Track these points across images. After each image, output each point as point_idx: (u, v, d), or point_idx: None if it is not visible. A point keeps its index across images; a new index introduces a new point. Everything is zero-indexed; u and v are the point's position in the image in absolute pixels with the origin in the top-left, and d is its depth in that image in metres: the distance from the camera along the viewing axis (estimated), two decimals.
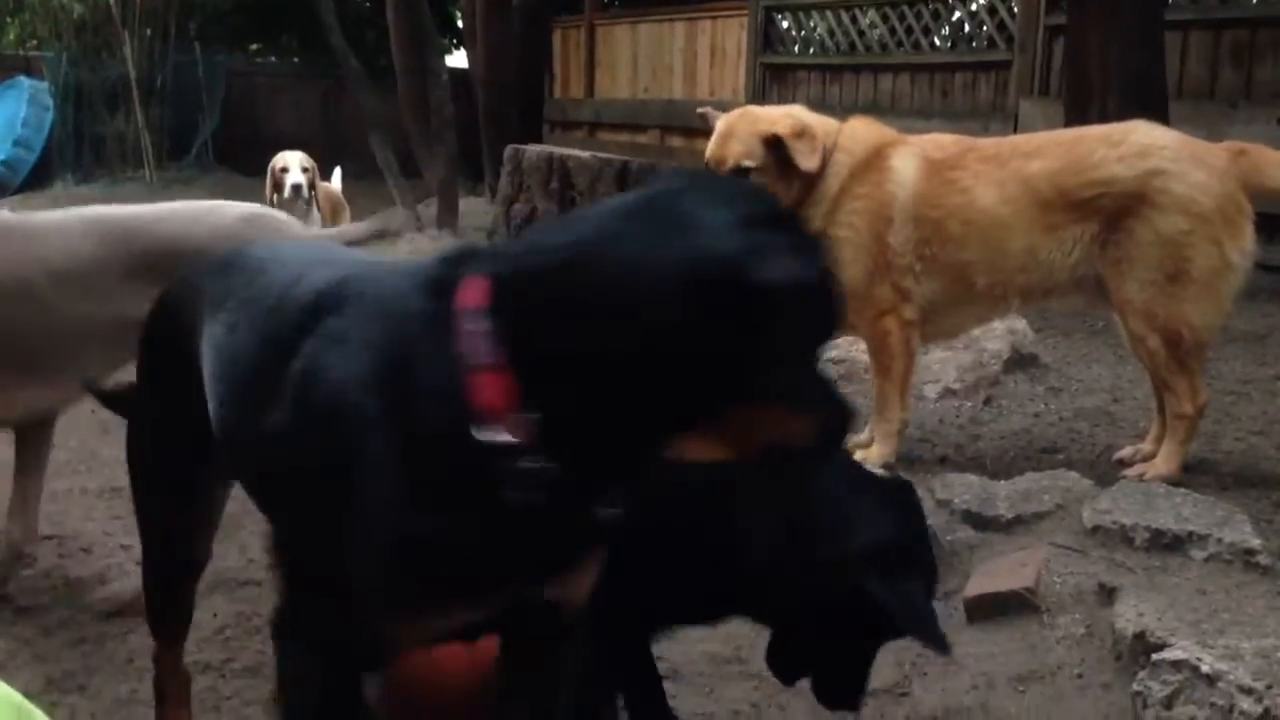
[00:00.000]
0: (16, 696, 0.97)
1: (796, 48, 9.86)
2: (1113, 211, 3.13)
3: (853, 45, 9.14)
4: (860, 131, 3.35)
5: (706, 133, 3.50)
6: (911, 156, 3.28)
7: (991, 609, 2.53)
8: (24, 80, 11.29)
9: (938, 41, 8.67)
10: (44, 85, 11.31)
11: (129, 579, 2.80)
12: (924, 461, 3.47)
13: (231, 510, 2.06)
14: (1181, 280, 3.10)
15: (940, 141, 3.37)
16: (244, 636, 2.66)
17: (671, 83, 11.20)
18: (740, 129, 3.30)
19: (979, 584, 2.61)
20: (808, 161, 3.23)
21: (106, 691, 2.45)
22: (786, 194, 3.24)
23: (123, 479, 3.63)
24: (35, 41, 12.78)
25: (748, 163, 3.28)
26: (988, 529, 2.86)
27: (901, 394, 3.38)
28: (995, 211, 3.21)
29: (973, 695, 2.31)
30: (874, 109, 8.11)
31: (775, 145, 3.26)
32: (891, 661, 2.47)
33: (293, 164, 5.29)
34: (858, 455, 3.35)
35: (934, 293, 3.31)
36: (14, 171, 10.71)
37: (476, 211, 9.32)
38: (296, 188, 5.20)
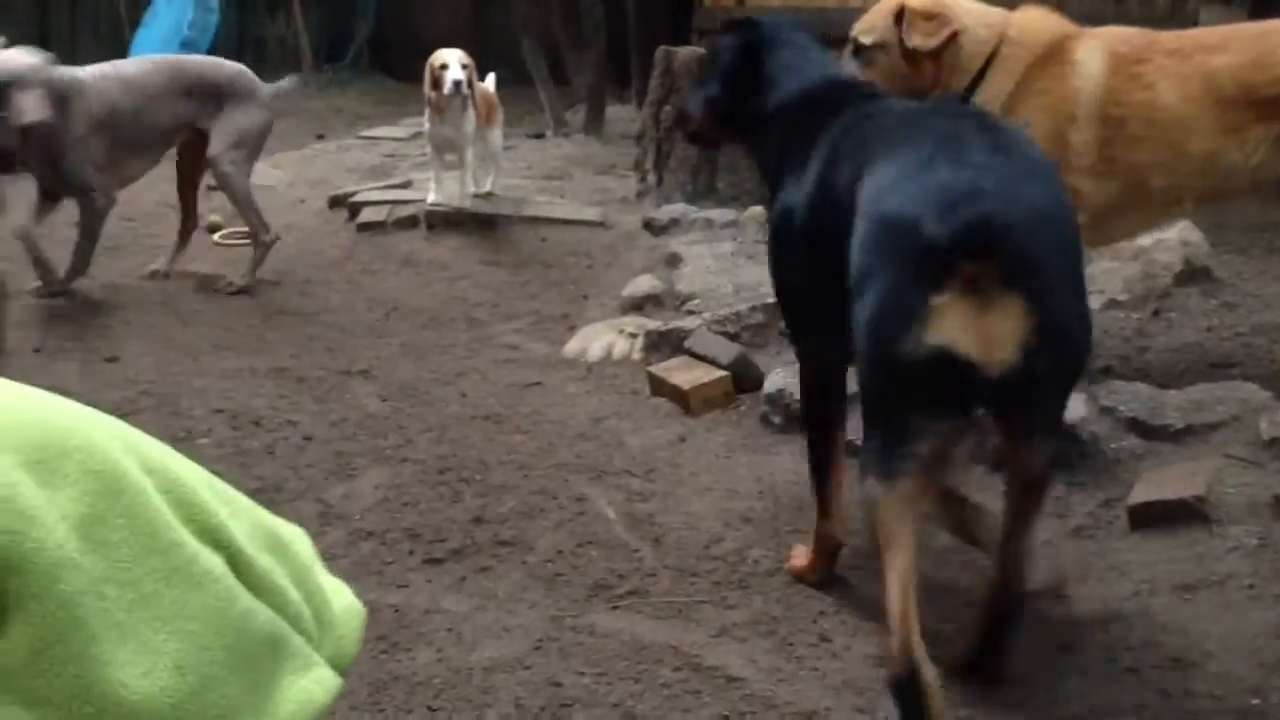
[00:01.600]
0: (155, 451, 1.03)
1: None
2: None
3: None
4: (1036, 22, 3.15)
5: None
6: (1097, 50, 3.07)
7: (1157, 517, 2.46)
8: None
9: None
10: None
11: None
12: (1086, 370, 3.35)
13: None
14: None
15: (1124, 34, 3.15)
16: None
17: None
18: (881, 3, 3.17)
19: (1144, 491, 2.53)
20: (918, 39, 3.04)
21: None
22: (914, 76, 3.10)
23: (287, 360, 3.79)
24: None
25: (865, 39, 3.14)
26: (1155, 438, 2.77)
27: None
28: (1177, 110, 3.01)
29: (1134, 601, 2.26)
30: None
31: (902, 20, 3.11)
32: (1049, 566, 2.42)
33: (452, 61, 5.29)
34: None
35: (1109, 196, 3.13)
36: None
37: (623, 118, 9.28)
38: (456, 84, 5.19)
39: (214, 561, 0.93)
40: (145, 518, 0.89)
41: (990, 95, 3.13)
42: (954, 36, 3.10)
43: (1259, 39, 3.03)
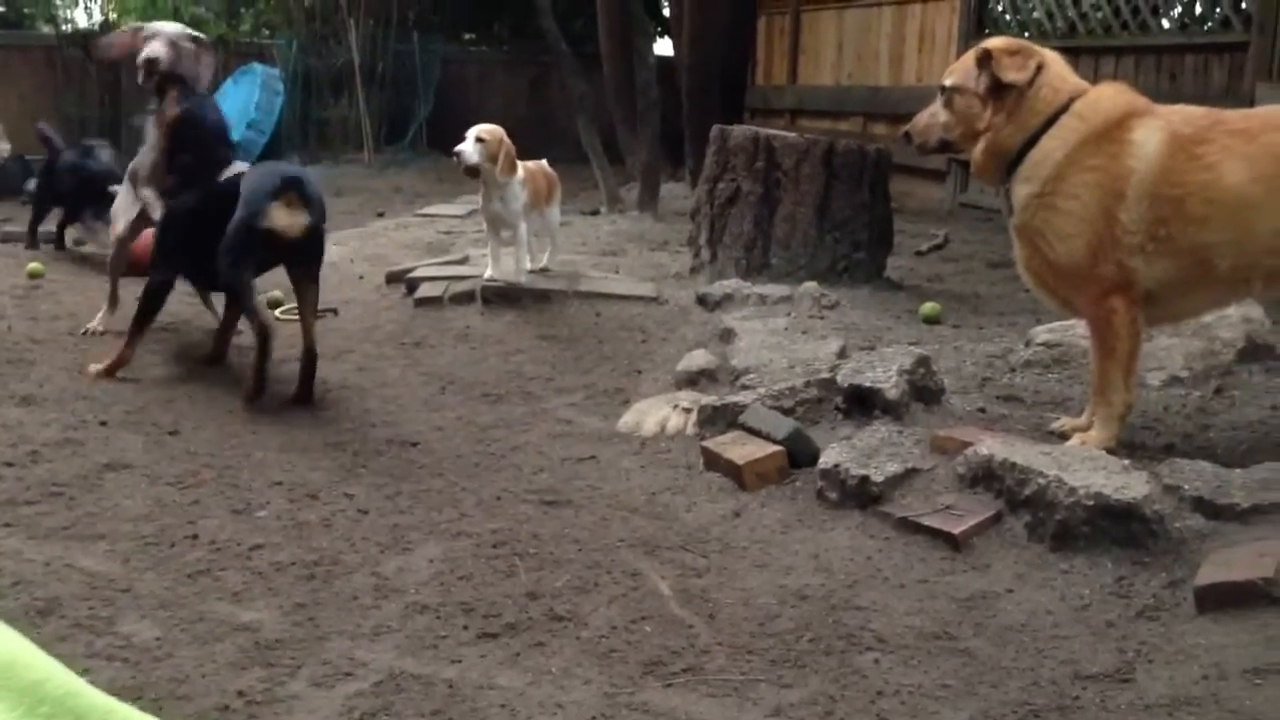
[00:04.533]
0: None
1: (1011, 31, 9.52)
2: None
3: (1073, 27, 8.75)
4: (1104, 100, 3.16)
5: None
6: (1157, 130, 3.07)
7: (1225, 599, 2.39)
8: (257, 66, 11.96)
9: (1166, 23, 8.22)
10: (275, 71, 11.95)
11: None
12: (1148, 449, 3.31)
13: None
14: None
15: (1189, 114, 3.13)
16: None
17: (877, 69, 11.00)
18: (968, 52, 3.34)
19: (1211, 573, 2.47)
20: (1011, 74, 3.15)
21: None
22: (984, 117, 3.23)
23: (344, 434, 3.81)
24: (268, 30, 13.55)
25: (947, 80, 3.32)
26: (1220, 517, 2.71)
27: (1126, 376, 3.22)
28: (1243, 190, 2.99)
29: (1202, 685, 2.19)
30: None
31: (985, 63, 3.21)
32: (1114, 648, 2.37)
33: (469, 134, 5.29)
34: (1075, 440, 3.23)
35: (1166, 274, 3.11)
36: (247, 153, 11.37)
37: (676, 196, 9.40)
38: (457, 153, 5.19)
39: None
40: None
41: (1041, 156, 3.15)
42: (1040, 70, 3.17)
43: None
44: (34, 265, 6.33)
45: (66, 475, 3.36)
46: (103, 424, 3.85)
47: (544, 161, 6.02)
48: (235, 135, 11.46)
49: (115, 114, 11.67)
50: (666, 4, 13.23)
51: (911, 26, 10.50)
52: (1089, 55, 8.68)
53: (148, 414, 3.99)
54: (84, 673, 2.27)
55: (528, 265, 5.67)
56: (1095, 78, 8.51)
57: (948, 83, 3.32)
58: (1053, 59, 3.22)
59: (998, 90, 3.19)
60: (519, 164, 5.48)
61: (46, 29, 12.49)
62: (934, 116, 3.40)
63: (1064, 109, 3.14)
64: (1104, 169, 3.08)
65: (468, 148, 5.23)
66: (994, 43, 3.26)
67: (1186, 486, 2.80)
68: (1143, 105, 3.17)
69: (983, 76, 3.22)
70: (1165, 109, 3.17)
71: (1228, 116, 3.13)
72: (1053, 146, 3.13)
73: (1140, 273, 3.11)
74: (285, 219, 4.07)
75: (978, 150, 3.28)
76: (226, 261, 4.14)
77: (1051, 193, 3.13)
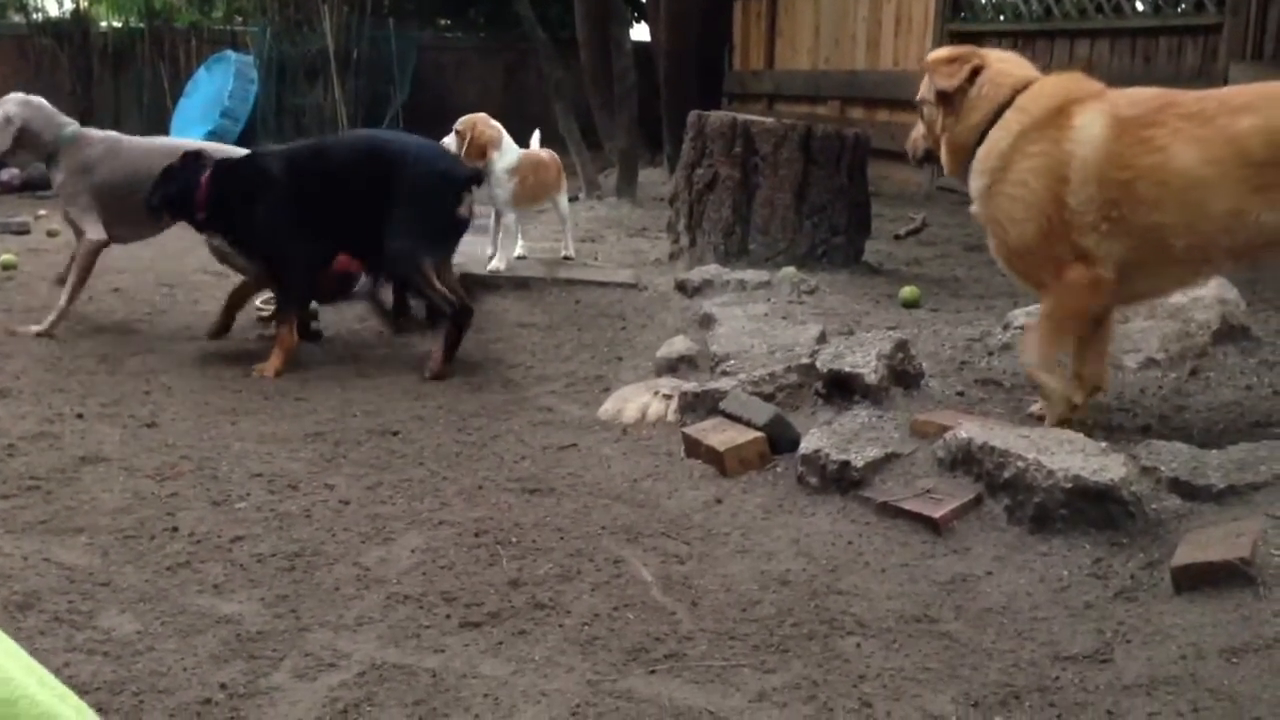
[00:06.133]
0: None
1: (986, 15, 9.53)
2: None
3: (1048, 10, 8.77)
4: (1046, 90, 3.23)
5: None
6: (1099, 114, 3.11)
7: (1202, 579, 2.41)
8: (231, 54, 11.86)
9: (1140, 5, 8.24)
10: (249, 59, 11.84)
11: None
12: (1125, 430, 3.33)
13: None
14: None
15: (1136, 97, 3.17)
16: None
17: (854, 53, 10.99)
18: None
19: (1188, 553, 2.49)
20: (942, 81, 3.35)
21: None
22: (941, 121, 3.38)
23: (324, 424, 3.80)
24: (241, 18, 13.43)
25: (920, 97, 3.51)
26: (1197, 498, 2.73)
27: (1055, 352, 3.30)
28: (1196, 172, 3.01)
29: (1180, 665, 2.21)
30: None
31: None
32: (1093, 629, 2.39)
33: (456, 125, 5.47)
34: (1034, 408, 3.41)
35: (1123, 253, 3.13)
36: (221, 141, 11.28)
37: (654, 182, 9.39)
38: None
39: None
40: None
41: (988, 149, 3.28)
42: (975, 73, 3.32)
43: None
44: (7, 257, 6.27)
45: (43, 468, 3.34)
46: (79, 416, 3.83)
47: (533, 144, 6.03)
48: (209, 124, 11.45)
49: (88, 104, 11.56)
50: None
51: (888, 10, 10.48)
52: (1064, 39, 8.71)
53: (125, 406, 3.97)
54: (64, 667, 2.27)
55: (514, 253, 5.70)
56: (1070, 61, 8.59)
57: (917, 97, 3.51)
58: (996, 58, 3.36)
59: (946, 96, 3.35)
60: (517, 152, 5.53)
61: (17, 18, 12.35)
62: (915, 130, 3.62)
63: (1008, 103, 3.25)
64: (1047, 154, 3.14)
65: (448, 140, 5.34)
66: (935, 53, 3.47)
67: (1163, 468, 2.82)
68: (1089, 91, 3.21)
69: (932, 85, 3.41)
70: (1115, 93, 3.21)
71: (1180, 98, 3.14)
72: (998, 138, 3.23)
73: (1097, 252, 3.15)
74: None
75: (942, 152, 3.46)
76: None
77: (1000, 181, 3.23)
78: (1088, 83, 3.26)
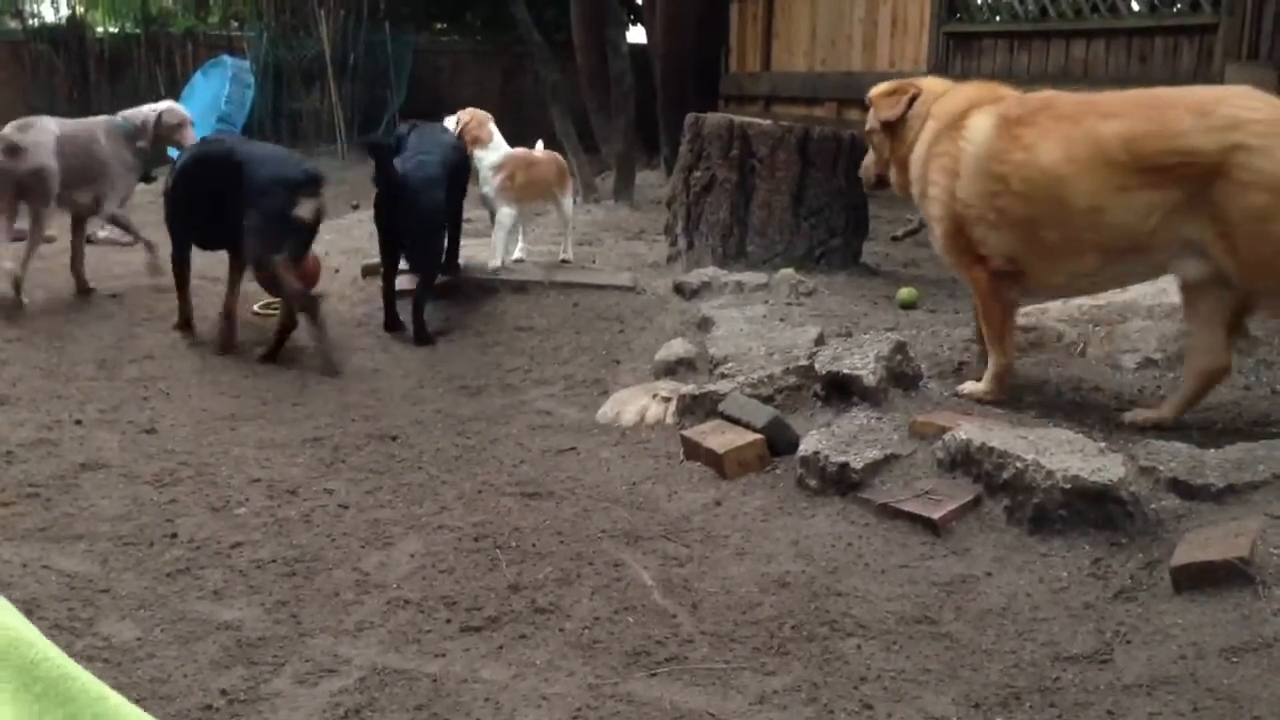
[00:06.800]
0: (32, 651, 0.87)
1: (982, 16, 9.54)
2: (1197, 181, 3.06)
3: (1044, 10, 8.77)
4: (954, 98, 3.58)
5: None
6: (988, 115, 3.42)
7: (1201, 579, 2.42)
8: (227, 59, 11.85)
9: (1136, 5, 8.25)
10: (246, 64, 11.84)
11: None
12: (1124, 429, 3.33)
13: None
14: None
15: (1027, 100, 3.46)
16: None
17: (850, 54, 10.99)
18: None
19: (1187, 553, 2.50)
20: (884, 113, 3.74)
21: None
22: (890, 149, 3.75)
23: (323, 429, 3.80)
24: (238, 22, 13.43)
25: (868, 129, 3.89)
26: (1196, 498, 2.74)
27: (1000, 339, 3.55)
28: (1057, 170, 3.25)
29: (1180, 665, 2.22)
30: (1065, 78, 7.78)
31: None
32: (1093, 629, 2.40)
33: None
34: (966, 387, 3.63)
35: (1010, 245, 3.41)
36: None
37: (651, 185, 9.39)
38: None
39: None
40: None
41: (913, 159, 3.67)
42: (913, 101, 3.69)
43: (1158, 110, 3.19)
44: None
45: (42, 475, 3.34)
46: (78, 423, 3.82)
47: (537, 147, 6.05)
48: (205, 129, 11.45)
49: (84, 108, 11.55)
50: None
51: (884, 12, 10.49)
52: (1060, 39, 8.71)
53: (123, 412, 3.97)
54: None
55: (513, 255, 5.71)
56: (1066, 62, 8.59)
57: (865, 129, 3.89)
58: (930, 85, 3.74)
59: (890, 125, 3.73)
60: (503, 149, 5.58)
61: (14, 24, 12.34)
62: (867, 158, 4.03)
63: (929, 117, 3.61)
64: (946, 154, 3.49)
65: (449, 120, 5.61)
66: (876, 89, 3.84)
67: (1162, 468, 2.83)
68: (992, 96, 3.52)
69: (877, 118, 3.78)
70: (1015, 97, 3.51)
71: (1060, 100, 3.42)
72: (919, 148, 3.61)
73: (987, 244, 3.45)
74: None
75: (892, 174, 3.84)
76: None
77: (923, 183, 3.59)
78: (997, 89, 3.60)
